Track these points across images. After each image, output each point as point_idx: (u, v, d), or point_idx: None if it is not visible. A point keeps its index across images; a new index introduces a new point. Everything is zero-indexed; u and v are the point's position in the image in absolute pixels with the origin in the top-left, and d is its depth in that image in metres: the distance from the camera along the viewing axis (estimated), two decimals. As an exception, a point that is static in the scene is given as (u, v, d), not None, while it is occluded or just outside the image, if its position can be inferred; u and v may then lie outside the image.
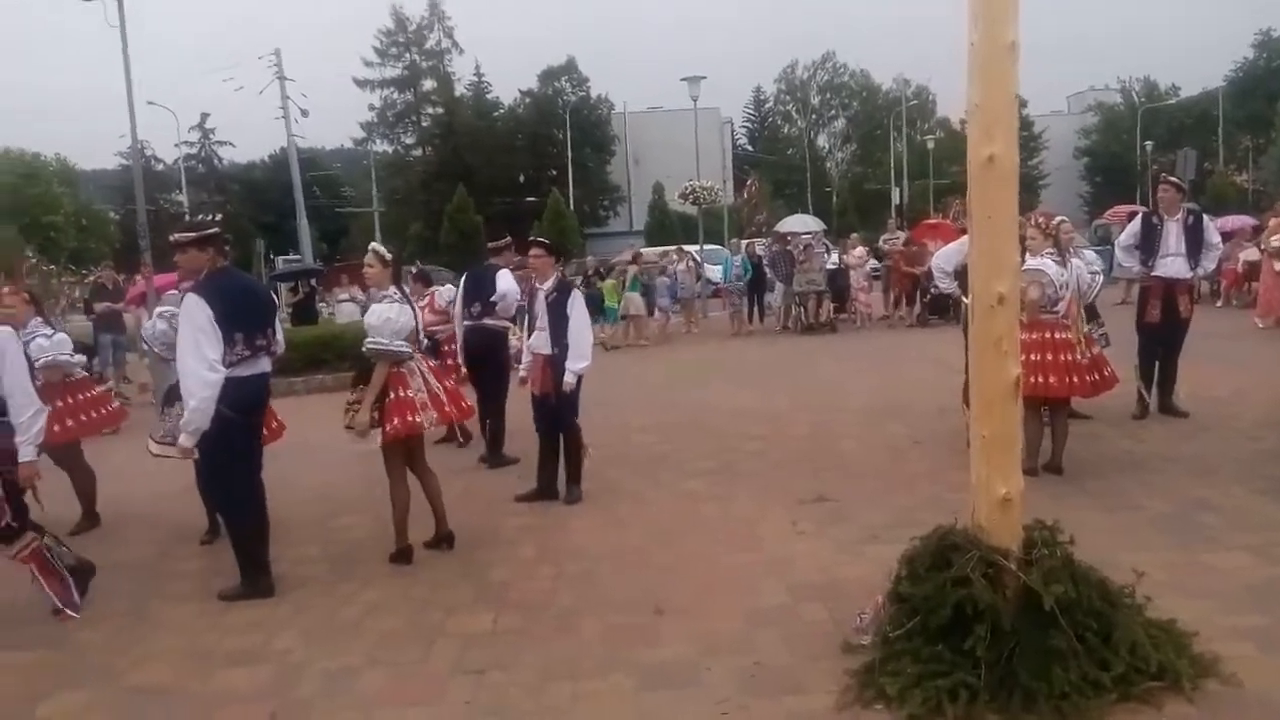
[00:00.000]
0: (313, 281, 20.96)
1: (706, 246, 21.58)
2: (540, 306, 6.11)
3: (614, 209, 58.68)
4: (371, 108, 56.07)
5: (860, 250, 17.05)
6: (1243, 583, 4.18)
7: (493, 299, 7.42)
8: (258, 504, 4.88)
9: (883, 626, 3.49)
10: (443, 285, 9.11)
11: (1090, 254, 7.50)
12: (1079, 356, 5.81)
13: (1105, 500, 5.45)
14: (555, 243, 6.71)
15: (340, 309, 18.40)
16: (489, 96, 57.45)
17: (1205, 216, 7.59)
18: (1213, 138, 52.05)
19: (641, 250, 20.01)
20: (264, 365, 4.88)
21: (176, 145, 52.90)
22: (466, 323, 7.43)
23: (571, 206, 47.25)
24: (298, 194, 31.62)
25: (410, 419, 5.00)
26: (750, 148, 69.40)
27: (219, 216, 5.50)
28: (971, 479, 3.50)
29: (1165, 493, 5.52)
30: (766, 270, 17.18)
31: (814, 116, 68.13)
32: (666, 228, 42.45)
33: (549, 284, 6.14)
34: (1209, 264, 7.67)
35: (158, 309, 6.29)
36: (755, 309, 17.51)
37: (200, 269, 4.74)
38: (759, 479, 6.44)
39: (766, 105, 71.06)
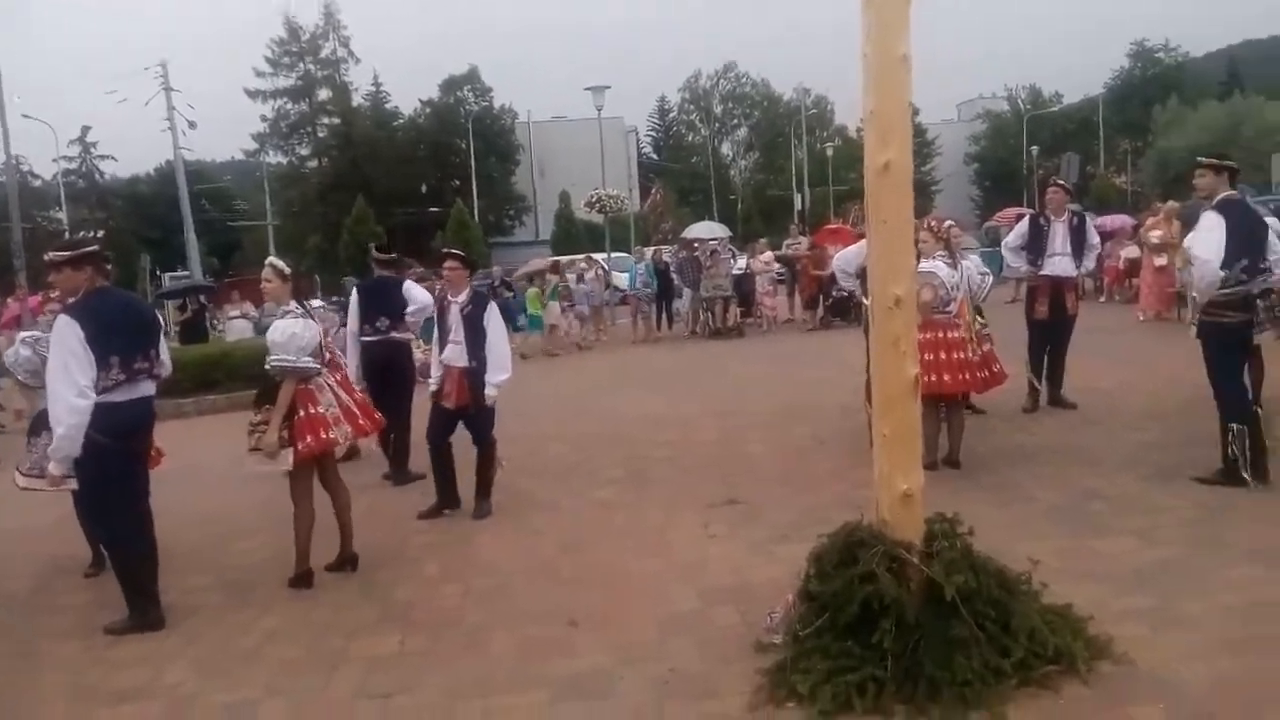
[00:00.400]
0: (202, 298, 20.14)
1: (614, 255, 21.63)
2: (454, 319, 5.98)
3: (519, 219, 58.32)
4: (264, 118, 54.42)
5: (767, 255, 17.33)
6: (1131, 566, 4.37)
7: (408, 311, 7.23)
8: (144, 532, 4.64)
9: (793, 625, 3.52)
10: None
11: (975, 258, 7.79)
12: (970, 354, 6.01)
13: (1000, 492, 5.65)
14: (468, 254, 6.61)
15: (231, 326, 17.73)
16: (388, 106, 56.46)
17: (1087, 217, 7.97)
18: (1094, 142, 54.86)
19: (560, 259, 19.84)
20: (146, 389, 4.63)
21: (55, 160, 50.36)
22: (369, 338, 7.18)
23: (476, 217, 46.73)
24: (185, 208, 30.42)
25: (323, 436, 4.86)
26: (655, 156, 70.00)
27: (99, 233, 5.21)
28: (874, 476, 3.57)
29: (1056, 483, 5.75)
30: (674, 277, 17.31)
31: (717, 125, 69.14)
32: (573, 236, 42.41)
33: (463, 296, 6.04)
34: (1090, 263, 8.06)
35: (21, 334, 5.93)
36: (663, 315, 17.61)
37: (77, 289, 4.49)
38: (670, 485, 6.45)
39: (670, 114, 71.84)
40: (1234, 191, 5.43)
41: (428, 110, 56.55)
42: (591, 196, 20.68)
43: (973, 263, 6.97)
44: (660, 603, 4.33)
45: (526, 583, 4.79)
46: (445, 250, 6.36)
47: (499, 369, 5.94)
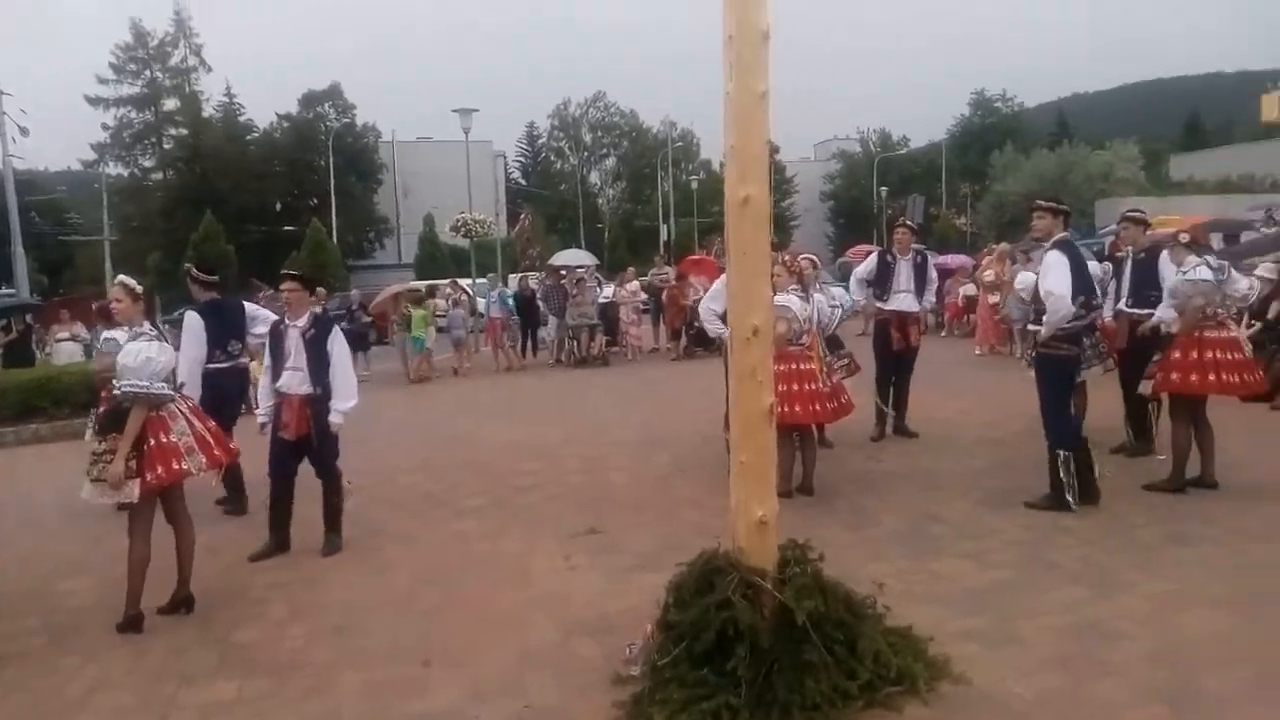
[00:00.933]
0: (28, 318, 18.59)
1: (479, 280, 21.37)
2: (294, 344, 5.68)
3: (381, 240, 56.78)
4: (105, 127, 51.01)
5: (634, 285, 17.52)
6: (967, 587, 4.62)
7: (255, 333, 6.84)
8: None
9: (651, 656, 3.53)
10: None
11: (838, 290, 8.15)
12: (821, 385, 6.24)
13: (850, 518, 5.88)
14: (309, 275, 6.35)
15: (59, 349, 16.37)
16: (241, 119, 53.96)
17: (929, 256, 8.47)
18: (938, 185, 58.45)
19: (454, 281, 19.25)
20: None
21: None
22: (221, 364, 6.72)
23: (334, 237, 45.18)
24: (13, 220, 28.02)
25: (175, 466, 4.59)
26: (524, 182, 69.84)
27: None
28: (731, 503, 3.64)
29: (900, 508, 6.03)
30: (540, 304, 17.25)
31: (586, 154, 69.70)
32: (437, 260, 41.63)
33: (304, 320, 5.75)
34: (931, 299, 8.56)
35: None
36: (528, 343, 17.51)
37: None
38: (531, 514, 6.38)
39: (540, 140, 71.94)
40: (1066, 234, 5.88)
41: (285, 124, 54.44)
42: (457, 220, 20.34)
43: (831, 296, 7.26)
44: (519, 636, 4.26)
45: (379, 620, 4.62)
46: (283, 271, 6.06)
47: (345, 395, 5.70)
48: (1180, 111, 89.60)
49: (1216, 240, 15.19)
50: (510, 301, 16.90)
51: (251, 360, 7.20)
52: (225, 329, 6.81)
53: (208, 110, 52.75)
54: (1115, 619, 4.12)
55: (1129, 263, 6.86)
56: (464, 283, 18.82)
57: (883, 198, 55.22)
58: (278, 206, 49.52)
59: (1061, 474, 5.70)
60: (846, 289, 8.64)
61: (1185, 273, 6.06)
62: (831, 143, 75.71)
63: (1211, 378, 5.90)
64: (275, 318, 6.87)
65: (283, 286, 5.84)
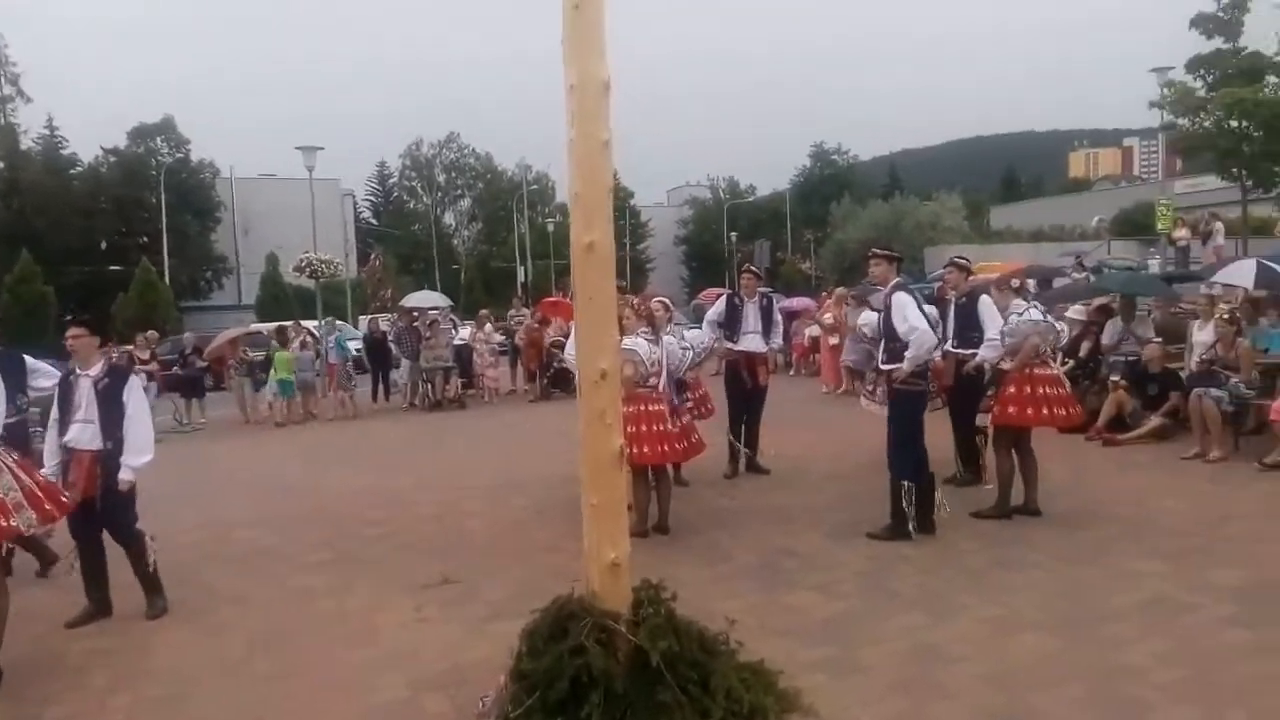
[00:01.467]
0: None
1: (279, 324, 20.52)
2: (84, 395, 5.23)
3: (219, 281, 53.94)
4: (-96, 158, 46.47)
5: (489, 327, 17.32)
6: (815, 618, 4.76)
7: (41, 387, 6.24)
8: None
9: (505, 708, 3.43)
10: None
11: (692, 332, 8.33)
12: (671, 426, 6.32)
13: (705, 554, 5.96)
14: (96, 320, 5.87)
15: None
16: (64, 152, 50.35)
17: (774, 300, 8.81)
18: (783, 231, 60.99)
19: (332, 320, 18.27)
20: None
21: None
22: (11, 419, 6.11)
23: (167, 277, 42.64)
24: None
25: (4, 524, 4.23)
26: (374, 221, 68.18)
27: None
28: (584, 547, 3.61)
29: (753, 543, 6.16)
30: (392, 346, 16.79)
31: (440, 194, 68.79)
32: (281, 301, 39.88)
33: (96, 369, 5.32)
34: (777, 339, 8.89)
35: None
36: (379, 386, 16.98)
37: None
38: (380, 566, 6.14)
39: (391, 180, 70.53)
40: (900, 278, 6.25)
41: (112, 159, 51.17)
42: (301, 260, 19.53)
43: (682, 338, 7.42)
44: (364, 695, 4.07)
45: (210, 687, 4.30)
46: (69, 318, 5.65)
47: (139, 450, 5.23)
48: (998, 166, 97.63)
49: (1031, 285, 16.50)
50: (346, 346, 16.16)
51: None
52: (14, 382, 6.14)
53: (26, 143, 48.95)
54: (951, 643, 4.34)
55: (953, 306, 7.36)
56: (309, 324, 18.06)
57: (733, 242, 57.11)
58: (103, 245, 46.28)
59: (904, 504, 5.97)
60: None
61: (1020, 314, 6.58)
62: (684, 189, 77.94)
63: (1044, 411, 6.43)
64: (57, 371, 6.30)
65: (69, 334, 5.37)
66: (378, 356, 17.08)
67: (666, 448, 6.28)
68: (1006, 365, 6.47)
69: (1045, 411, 6.42)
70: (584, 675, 3.21)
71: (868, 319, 7.19)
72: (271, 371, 15.07)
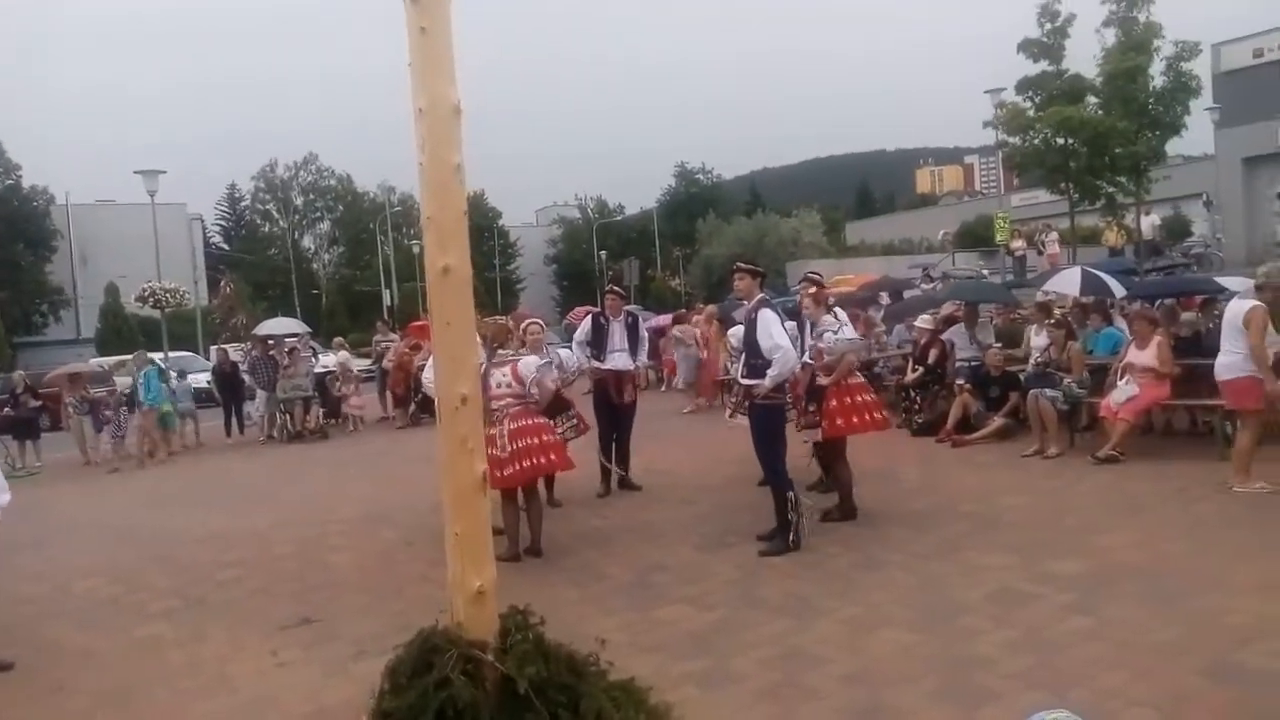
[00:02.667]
0: None
1: (173, 354, 19.47)
2: None
3: (55, 313, 50.25)
4: None
5: (343, 355, 16.77)
6: (686, 630, 4.82)
7: None
8: None
9: (369, 749, 3.31)
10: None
11: (564, 351, 8.30)
12: (499, 451, 6.12)
13: (578, 574, 5.93)
14: None
15: None
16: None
17: (640, 318, 8.90)
18: (652, 249, 61.77)
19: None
20: None
21: None
22: None
23: (-4, 312, 39.51)
24: None
25: None
26: (226, 246, 65.02)
27: None
28: (448, 576, 3.53)
29: (626, 560, 6.19)
30: (246, 377, 16.03)
31: (297, 216, 66.24)
32: (124, 334, 37.50)
33: None
34: (643, 356, 8.97)
35: None
36: (231, 419, 16.15)
37: None
38: (234, 610, 5.81)
39: (243, 203, 67.48)
40: (765, 293, 6.39)
41: (-69, 186, 47.07)
42: (144, 290, 18.43)
43: (556, 356, 7.40)
44: (218, 749, 3.84)
45: (45, 754, 3.97)
46: None
47: None
48: (853, 184, 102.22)
49: (885, 297, 17.32)
50: (158, 386, 14.32)
51: None
52: None
53: None
54: (817, 645, 4.47)
55: (809, 320, 7.59)
56: (151, 355, 17.02)
57: (603, 261, 57.44)
58: (-77, 279, 42.48)
59: (790, 514, 6.07)
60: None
61: (835, 332, 6.84)
62: (552, 209, 77.87)
63: (866, 417, 6.77)
64: None
65: None
66: (228, 389, 16.22)
67: (531, 462, 6.13)
68: (823, 381, 6.65)
69: (868, 417, 6.78)
70: (450, 709, 3.13)
71: (735, 333, 7.36)
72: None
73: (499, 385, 6.23)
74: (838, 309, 7.50)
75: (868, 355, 7.04)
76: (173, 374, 15.76)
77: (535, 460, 6.16)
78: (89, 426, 14.58)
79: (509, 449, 6.08)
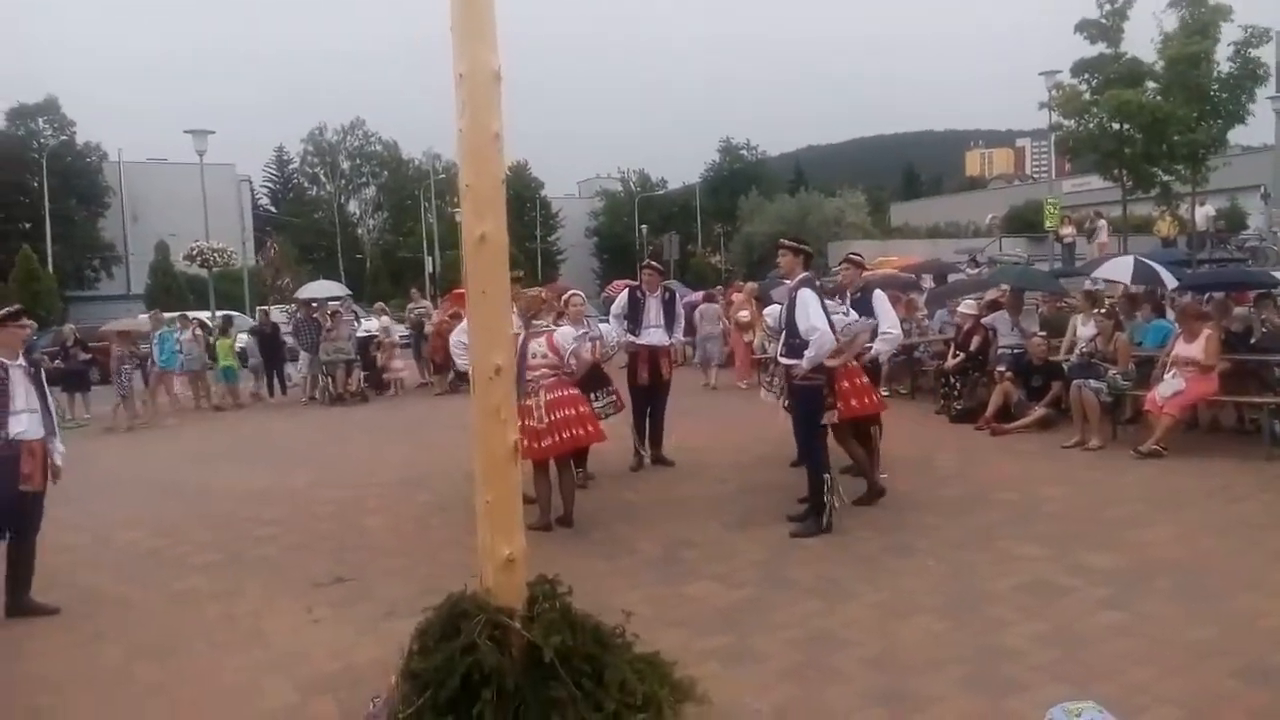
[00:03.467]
0: None
1: (220, 313, 19.80)
2: (22, 385, 5.17)
3: (107, 269, 51.36)
4: None
5: (385, 318, 16.94)
6: (713, 607, 4.83)
7: None
8: None
9: (395, 708, 3.37)
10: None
11: (606, 327, 8.28)
12: (536, 422, 6.13)
13: (607, 547, 5.97)
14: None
15: None
16: (-65, 131, 47.20)
17: (677, 294, 8.85)
18: (694, 224, 61.47)
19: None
20: None
21: None
22: None
23: (50, 265, 40.40)
24: None
25: None
26: (274, 209, 65.85)
27: None
28: (478, 543, 3.57)
29: (656, 535, 6.20)
30: (288, 339, 16.26)
31: (344, 181, 66.85)
32: (173, 291, 38.22)
33: (23, 359, 5.27)
34: (679, 333, 8.93)
35: None
36: (273, 381, 16.41)
37: None
38: (270, 567, 5.94)
39: (291, 166, 68.21)
40: (809, 273, 6.26)
41: (-11, 140, 48.15)
42: (193, 249, 18.75)
43: (601, 330, 7.40)
44: (250, 702, 3.94)
45: (86, 700, 4.10)
46: None
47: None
48: (899, 164, 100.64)
49: (928, 280, 17.07)
50: (176, 346, 14.61)
51: None
52: None
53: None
54: (843, 628, 4.45)
55: (848, 300, 7.51)
56: (199, 315, 17.35)
57: (644, 235, 57.29)
58: (-21, 231, 43.58)
59: (825, 496, 6.03)
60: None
61: (845, 315, 6.76)
62: (595, 181, 77.70)
63: (869, 400, 6.72)
64: None
65: (17, 325, 5.30)
66: (269, 350, 16.47)
67: (533, 444, 6.01)
68: (833, 363, 6.38)
69: (869, 399, 6.76)
70: (475, 673, 3.18)
71: (771, 311, 7.30)
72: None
73: (534, 356, 6.26)
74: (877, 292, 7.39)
75: (872, 337, 6.92)
76: (214, 331, 16.04)
77: (573, 432, 6.20)
78: (139, 382, 14.93)
79: (546, 420, 6.12)
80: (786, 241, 6.38)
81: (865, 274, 7.42)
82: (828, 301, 6.63)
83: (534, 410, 6.09)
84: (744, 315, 15.21)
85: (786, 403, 6.68)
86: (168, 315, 16.99)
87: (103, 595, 5.52)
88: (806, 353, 5.90)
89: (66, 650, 4.69)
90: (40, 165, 44.86)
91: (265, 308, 19.01)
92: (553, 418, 6.15)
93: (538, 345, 6.31)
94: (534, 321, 6.55)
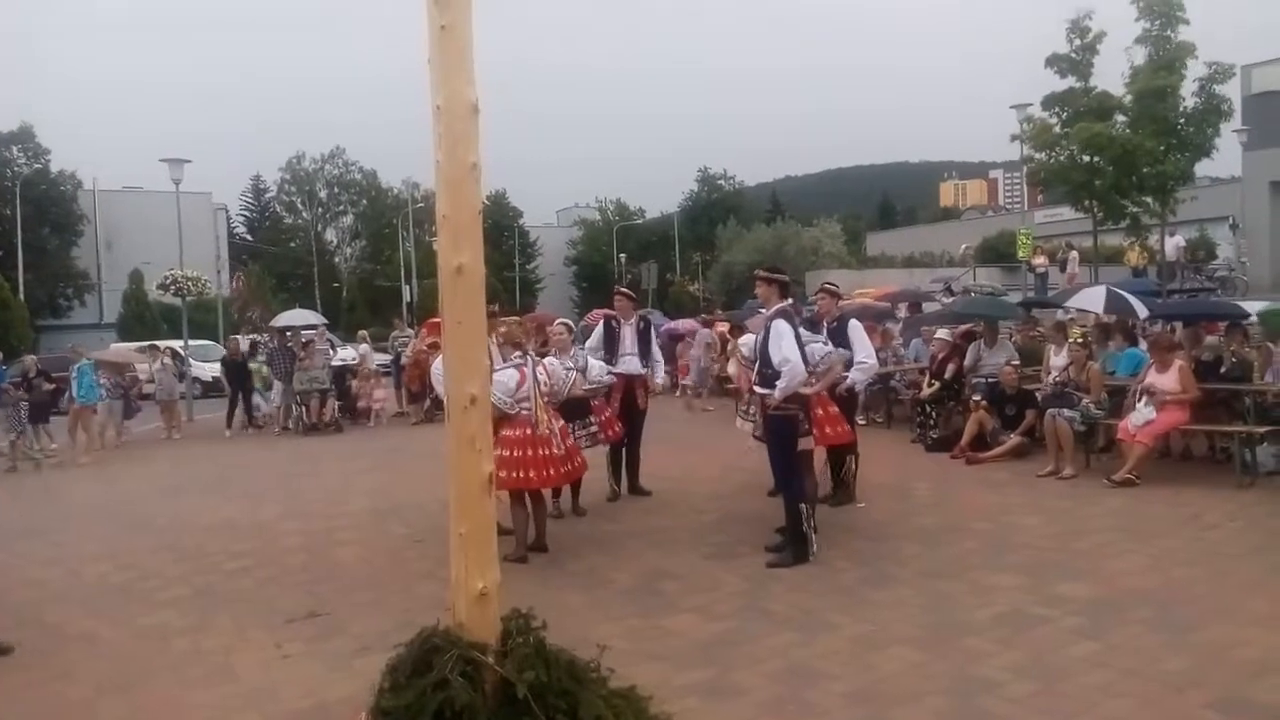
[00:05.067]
0: None
1: (194, 342, 19.62)
2: None
3: (79, 298, 50.76)
4: None
5: (364, 348, 16.84)
6: (693, 640, 4.78)
7: None
8: None
9: (366, 747, 3.30)
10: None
11: (596, 364, 8.22)
12: (555, 449, 6.29)
13: (583, 579, 5.92)
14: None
15: None
16: (-93, 159, 46.65)
17: (652, 322, 8.85)
18: (672, 252, 61.76)
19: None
20: None
21: None
22: None
23: (22, 294, 39.87)
24: None
25: None
26: (249, 237, 65.49)
27: None
28: (451, 576, 3.52)
29: (633, 566, 6.16)
30: (262, 367, 16.12)
31: (321, 210, 66.66)
32: (146, 321, 37.86)
33: None
34: (658, 363, 8.87)
35: None
36: (241, 411, 16.13)
37: None
38: (241, 601, 5.83)
39: (268, 194, 67.99)
40: (786, 302, 6.26)
41: (-39, 169, 47.65)
42: (166, 278, 18.57)
43: (582, 361, 7.38)
44: (217, 740, 3.84)
45: (47, 737, 3.99)
46: None
47: None
48: (874, 194, 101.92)
49: (903, 309, 17.22)
50: (89, 378, 13.88)
51: None
52: None
53: None
54: (821, 660, 4.43)
55: (825, 330, 7.56)
56: (171, 344, 17.16)
57: (622, 263, 57.47)
58: (-49, 260, 42.95)
59: (804, 526, 6.01)
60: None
61: (824, 344, 6.91)
62: (573, 210, 78.01)
63: (840, 429, 6.93)
64: None
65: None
66: (236, 379, 16.27)
67: (551, 471, 6.25)
68: (807, 390, 6.28)
69: (844, 427, 7.06)
70: (447, 710, 3.12)
71: (745, 341, 7.33)
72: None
73: (542, 384, 6.36)
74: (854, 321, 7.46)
75: (846, 367, 7.08)
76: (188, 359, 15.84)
77: (575, 462, 6.52)
78: (118, 411, 14.71)
79: (563, 449, 6.36)
80: (762, 272, 6.42)
81: (841, 303, 7.46)
82: (806, 331, 6.67)
83: (551, 439, 6.24)
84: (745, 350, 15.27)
85: (758, 432, 6.70)
86: (140, 344, 16.81)
87: (70, 631, 5.39)
88: (778, 383, 5.92)
89: (32, 688, 4.57)
90: (14, 193, 44.43)
91: (235, 336, 18.80)
92: (567, 444, 6.44)
93: (541, 374, 6.36)
94: (514, 353, 6.53)
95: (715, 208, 64.92)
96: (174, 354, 15.92)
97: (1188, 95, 19.84)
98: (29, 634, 5.24)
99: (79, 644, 5.18)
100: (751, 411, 7.03)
